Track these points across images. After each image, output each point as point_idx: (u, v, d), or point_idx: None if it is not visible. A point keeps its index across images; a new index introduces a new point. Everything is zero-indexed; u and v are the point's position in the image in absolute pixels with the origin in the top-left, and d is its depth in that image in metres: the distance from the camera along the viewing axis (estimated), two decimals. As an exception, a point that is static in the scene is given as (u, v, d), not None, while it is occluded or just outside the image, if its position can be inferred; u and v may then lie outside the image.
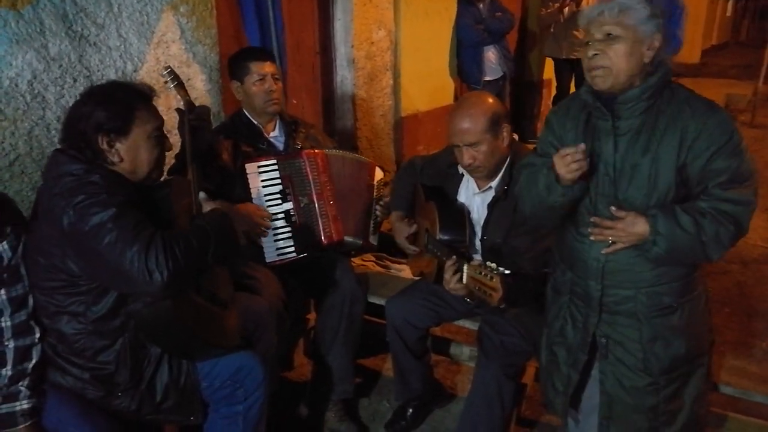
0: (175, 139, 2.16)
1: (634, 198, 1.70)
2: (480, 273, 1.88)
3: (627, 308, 1.77)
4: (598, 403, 1.88)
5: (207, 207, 1.93)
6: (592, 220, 1.74)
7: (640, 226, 1.67)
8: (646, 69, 1.67)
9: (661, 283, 1.74)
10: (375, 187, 2.65)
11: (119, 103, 1.69)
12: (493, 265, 1.85)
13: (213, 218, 1.82)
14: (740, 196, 1.64)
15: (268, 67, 2.50)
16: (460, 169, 2.31)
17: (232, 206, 2.31)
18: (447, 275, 2.04)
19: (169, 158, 2.12)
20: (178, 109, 2.19)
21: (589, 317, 1.83)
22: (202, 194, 1.95)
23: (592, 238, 1.76)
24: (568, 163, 1.65)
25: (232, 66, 2.55)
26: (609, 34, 1.64)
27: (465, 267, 1.95)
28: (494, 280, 1.83)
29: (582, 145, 1.66)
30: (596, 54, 1.65)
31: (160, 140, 1.79)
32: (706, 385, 1.90)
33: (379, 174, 2.69)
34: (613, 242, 1.73)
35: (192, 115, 2.12)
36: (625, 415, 1.85)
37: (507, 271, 1.83)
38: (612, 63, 1.64)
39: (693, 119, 1.65)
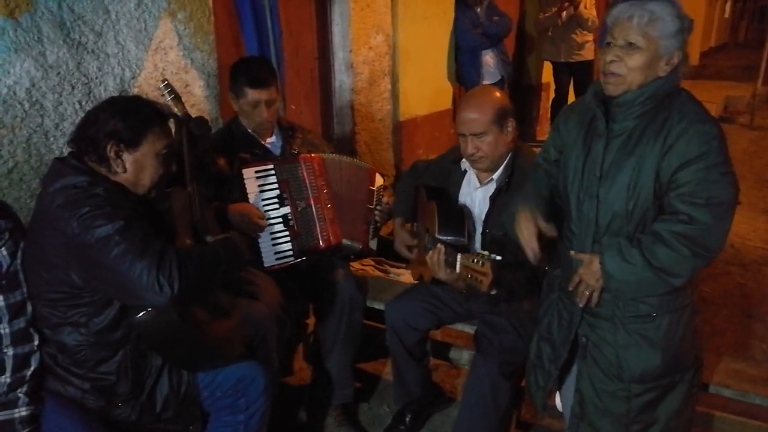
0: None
1: (613, 201, 1.69)
2: (472, 261, 1.88)
3: (606, 311, 1.77)
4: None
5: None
6: (568, 286, 1.77)
7: (595, 265, 1.69)
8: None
9: None
10: (375, 192, 2.66)
11: (137, 116, 1.72)
12: (485, 252, 1.86)
13: (226, 245, 1.85)
14: (697, 213, 1.56)
15: (263, 95, 2.48)
16: (463, 166, 2.33)
17: (227, 206, 2.32)
18: (431, 262, 2.04)
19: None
20: (174, 116, 2.19)
21: (573, 315, 1.83)
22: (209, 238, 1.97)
23: (580, 302, 1.76)
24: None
25: (231, 78, 2.55)
26: (631, 43, 1.61)
27: (458, 256, 1.95)
28: (485, 265, 1.83)
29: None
30: (614, 60, 1.63)
31: (167, 160, 1.81)
32: (686, 402, 1.82)
33: (379, 180, 2.70)
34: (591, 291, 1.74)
35: (192, 123, 2.13)
36: (594, 417, 1.84)
37: (498, 257, 1.83)
38: (627, 72, 1.62)
39: (677, 125, 1.61)
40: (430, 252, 2.07)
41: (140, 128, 1.72)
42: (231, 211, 2.33)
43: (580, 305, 1.77)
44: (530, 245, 1.73)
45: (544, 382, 1.96)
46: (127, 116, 1.70)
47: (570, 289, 1.77)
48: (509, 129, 2.19)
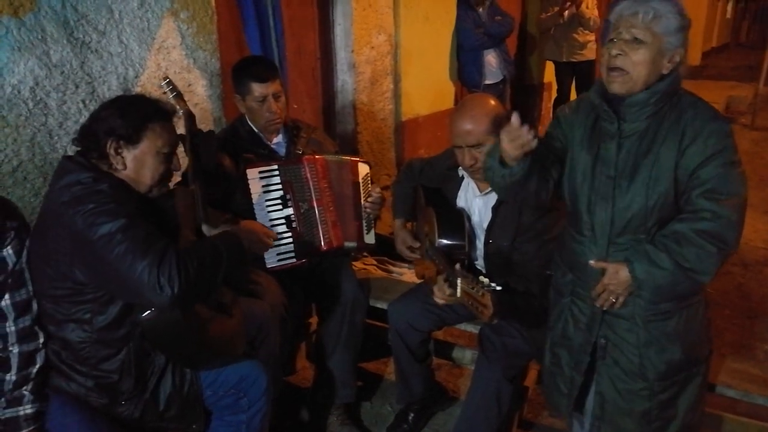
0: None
1: (631, 201, 1.70)
2: (473, 288, 1.86)
3: (627, 311, 1.78)
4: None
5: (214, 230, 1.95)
6: (592, 295, 1.77)
7: (623, 273, 1.70)
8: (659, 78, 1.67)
9: None
10: (361, 184, 2.62)
11: (136, 113, 1.72)
12: (486, 280, 1.85)
13: (227, 240, 1.83)
14: (721, 209, 1.60)
15: (269, 88, 2.48)
16: (460, 172, 2.31)
17: (237, 222, 2.29)
18: (437, 291, 2.04)
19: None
20: (180, 135, 2.20)
21: (594, 317, 1.83)
22: (205, 227, 1.97)
23: (604, 308, 1.78)
24: (513, 137, 1.63)
25: (234, 79, 2.54)
26: (636, 38, 1.62)
27: (459, 281, 1.93)
28: (485, 297, 1.83)
29: (527, 127, 1.62)
30: (619, 54, 1.64)
31: (169, 158, 1.80)
32: (701, 394, 1.88)
33: (363, 169, 2.65)
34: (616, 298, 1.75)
35: (197, 140, 2.13)
36: (616, 417, 1.85)
37: (498, 288, 1.83)
38: (633, 68, 1.63)
39: (692, 124, 1.64)
40: (436, 292, 2.05)
41: (139, 125, 1.71)
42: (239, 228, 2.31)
43: (604, 308, 1.78)
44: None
45: (568, 389, 1.95)
46: (126, 113, 1.71)
47: (593, 295, 1.78)
48: None
